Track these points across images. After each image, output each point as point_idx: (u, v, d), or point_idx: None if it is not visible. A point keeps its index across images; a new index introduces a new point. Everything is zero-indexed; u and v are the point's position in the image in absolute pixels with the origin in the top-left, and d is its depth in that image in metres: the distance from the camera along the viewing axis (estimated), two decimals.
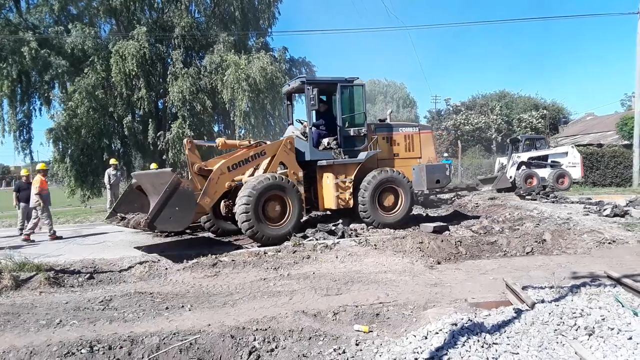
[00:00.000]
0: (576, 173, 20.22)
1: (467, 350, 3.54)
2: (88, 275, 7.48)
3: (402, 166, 11.63)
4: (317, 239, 9.67)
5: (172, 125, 22.40)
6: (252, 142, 10.84)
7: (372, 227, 10.79)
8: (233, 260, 8.06)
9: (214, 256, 8.32)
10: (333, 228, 10.55)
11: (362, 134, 11.17)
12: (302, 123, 11.79)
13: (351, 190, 10.83)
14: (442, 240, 8.69)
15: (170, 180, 8.45)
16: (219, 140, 10.92)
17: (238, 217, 9.40)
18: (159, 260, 8.23)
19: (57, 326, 5.08)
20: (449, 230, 10.55)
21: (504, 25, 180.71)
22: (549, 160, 20.38)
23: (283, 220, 9.87)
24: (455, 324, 3.94)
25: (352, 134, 11.04)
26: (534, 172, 19.39)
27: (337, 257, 8.07)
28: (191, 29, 23.72)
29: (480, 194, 18.86)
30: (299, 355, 4.18)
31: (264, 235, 9.44)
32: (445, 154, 29.12)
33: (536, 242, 8.78)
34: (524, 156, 20.07)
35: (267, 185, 9.59)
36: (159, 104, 24.98)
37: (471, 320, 4.04)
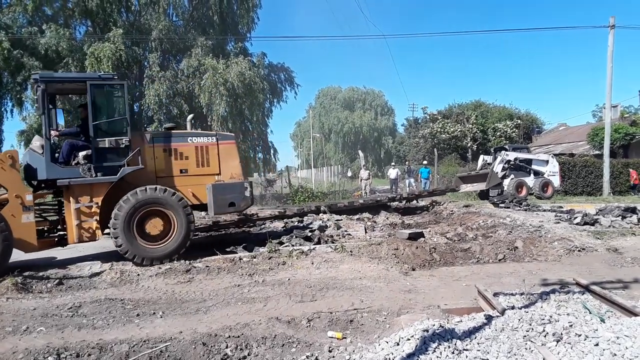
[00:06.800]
0: (556, 181, 21.10)
1: (437, 357, 3.57)
2: (57, 281, 7.31)
3: (194, 184, 9.51)
4: (293, 245, 9.64)
5: (147, 129, 22.18)
6: None
7: (137, 264, 8.42)
8: (207, 266, 7.99)
9: (187, 262, 8.23)
10: (309, 234, 10.56)
11: (123, 145, 8.78)
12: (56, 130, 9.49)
13: (98, 217, 8.54)
14: (417, 247, 8.75)
15: None
16: None
17: None
18: (130, 265, 8.10)
19: (24, 333, 4.94)
20: (424, 237, 10.61)
21: (481, 36, 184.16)
22: (532, 166, 21.05)
23: None
24: (427, 330, 3.97)
25: (107, 145, 8.70)
26: (523, 181, 20.12)
27: (312, 264, 8.06)
28: (169, 32, 23.58)
29: (455, 200, 19.08)
30: None
31: None
32: (425, 162, 29.47)
33: (508, 249, 8.92)
34: (512, 155, 20.69)
35: None
36: (135, 107, 24.70)
37: (442, 327, 4.07)
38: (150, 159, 9.16)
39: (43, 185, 8.89)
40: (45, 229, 8.90)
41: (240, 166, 10.26)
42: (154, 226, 8.72)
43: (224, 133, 11.10)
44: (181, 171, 9.48)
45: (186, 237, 8.83)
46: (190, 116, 11.35)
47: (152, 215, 8.70)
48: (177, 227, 8.76)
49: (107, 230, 8.70)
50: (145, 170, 9.00)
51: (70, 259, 9.13)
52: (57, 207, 9.16)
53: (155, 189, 8.68)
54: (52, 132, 8.87)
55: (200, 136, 9.87)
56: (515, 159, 20.68)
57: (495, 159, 20.80)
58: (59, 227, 8.96)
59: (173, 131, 9.85)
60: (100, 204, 8.54)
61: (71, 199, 8.41)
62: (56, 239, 8.91)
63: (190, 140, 9.66)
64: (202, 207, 9.72)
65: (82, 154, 8.64)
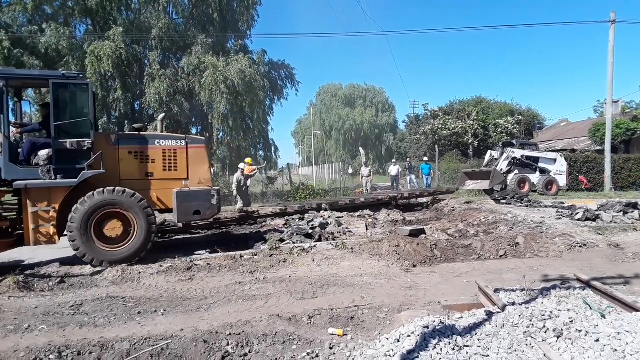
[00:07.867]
0: (562, 181, 20.92)
1: (438, 353, 3.57)
2: (59, 279, 7.32)
3: (160, 188, 9.20)
4: (294, 243, 9.64)
5: (148, 127, 22.20)
6: None
7: (95, 265, 8.18)
8: (208, 264, 8.00)
9: (189, 260, 8.25)
10: (310, 231, 10.56)
11: (85, 147, 8.38)
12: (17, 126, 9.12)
13: (55, 222, 8.23)
14: (418, 244, 8.76)
15: None
16: None
17: None
18: (132, 263, 8.12)
19: (26, 331, 4.95)
20: (425, 234, 10.61)
21: (482, 32, 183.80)
22: (540, 164, 20.88)
23: None
24: (427, 327, 3.97)
25: (68, 146, 8.31)
26: (526, 177, 20.05)
27: (313, 261, 8.07)
28: (169, 31, 23.56)
29: (456, 197, 19.05)
30: None
31: None
32: (425, 158, 29.44)
33: (510, 245, 8.92)
34: (518, 153, 20.48)
35: None
36: (136, 106, 24.74)
37: (443, 323, 4.07)
38: (115, 162, 8.87)
39: (3, 183, 8.55)
40: (4, 228, 8.57)
41: (210, 171, 9.88)
42: (113, 228, 8.42)
43: (194, 137, 10.55)
44: (147, 174, 9.16)
45: (147, 239, 8.53)
46: (162, 116, 10.95)
47: (111, 217, 8.39)
48: (137, 229, 8.46)
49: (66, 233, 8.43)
50: (109, 173, 8.69)
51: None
52: (17, 205, 8.72)
53: (113, 190, 8.33)
54: (13, 129, 8.66)
55: (168, 139, 9.46)
56: (522, 156, 20.55)
57: (502, 154, 20.67)
58: (18, 226, 8.62)
59: (140, 133, 9.53)
60: (58, 208, 8.24)
61: (29, 201, 8.12)
62: (15, 239, 8.59)
63: (158, 142, 9.28)
64: (170, 211, 9.42)
65: (42, 154, 8.33)
